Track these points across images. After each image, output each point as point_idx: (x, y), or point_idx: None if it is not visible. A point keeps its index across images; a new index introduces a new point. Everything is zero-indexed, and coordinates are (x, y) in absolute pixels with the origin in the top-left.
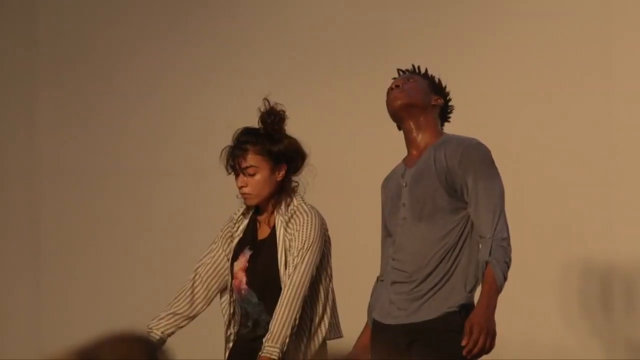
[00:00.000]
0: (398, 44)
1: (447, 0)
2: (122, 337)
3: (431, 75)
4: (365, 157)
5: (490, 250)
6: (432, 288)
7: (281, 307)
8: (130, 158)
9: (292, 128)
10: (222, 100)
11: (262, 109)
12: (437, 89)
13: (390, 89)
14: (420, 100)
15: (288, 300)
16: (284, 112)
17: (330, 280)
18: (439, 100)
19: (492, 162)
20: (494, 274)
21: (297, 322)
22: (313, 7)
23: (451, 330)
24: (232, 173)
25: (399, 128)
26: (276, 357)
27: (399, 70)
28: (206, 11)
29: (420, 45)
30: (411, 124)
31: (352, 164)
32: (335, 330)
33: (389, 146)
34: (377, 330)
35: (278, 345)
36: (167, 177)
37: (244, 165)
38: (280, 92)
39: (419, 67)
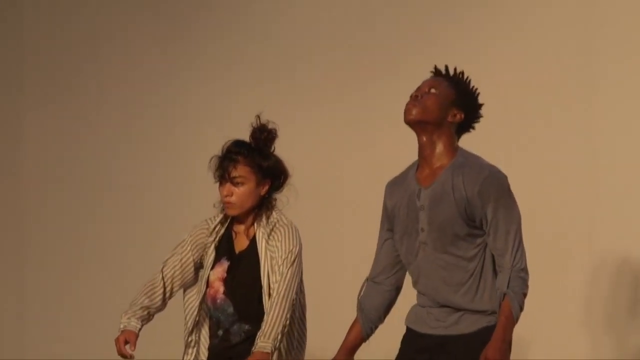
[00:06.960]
0: (388, 56)
1: (439, 7)
2: None
3: (465, 81)
4: (347, 171)
5: (509, 282)
6: (463, 309)
7: (272, 308)
8: (120, 158)
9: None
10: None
11: (254, 125)
12: (462, 100)
13: (410, 97)
14: (433, 117)
15: (278, 301)
16: (275, 130)
17: (302, 291)
18: (457, 116)
19: (510, 190)
20: (511, 306)
21: (287, 322)
22: (298, 15)
23: (485, 344)
24: (218, 182)
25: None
26: (269, 351)
27: (435, 68)
28: (177, 18)
29: (412, 54)
30: (424, 138)
31: (333, 177)
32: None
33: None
34: (411, 336)
35: (270, 341)
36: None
37: (233, 174)
38: (260, 105)
39: (454, 71)
